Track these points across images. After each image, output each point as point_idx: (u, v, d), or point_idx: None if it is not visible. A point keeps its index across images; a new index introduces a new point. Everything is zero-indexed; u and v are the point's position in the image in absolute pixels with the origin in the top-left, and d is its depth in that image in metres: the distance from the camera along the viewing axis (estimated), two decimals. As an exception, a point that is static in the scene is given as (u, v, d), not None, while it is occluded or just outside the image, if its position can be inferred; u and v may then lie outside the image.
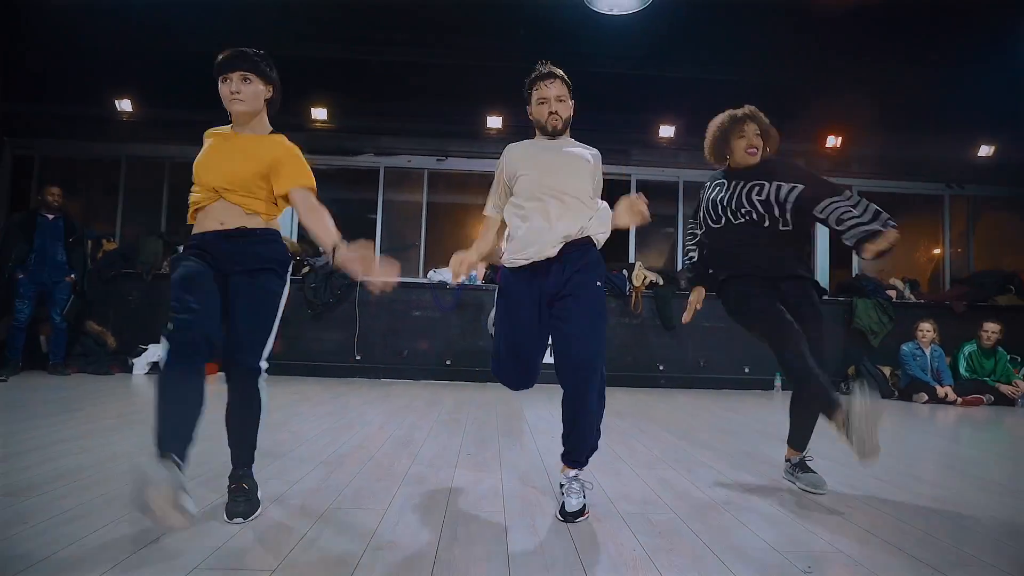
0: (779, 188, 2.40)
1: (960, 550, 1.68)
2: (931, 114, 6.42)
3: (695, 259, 2.72)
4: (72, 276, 5.47)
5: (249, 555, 1.50)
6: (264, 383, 1.84)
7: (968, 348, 5.96)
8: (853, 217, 2.33)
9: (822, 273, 7.04)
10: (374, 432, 3.24)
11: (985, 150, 6.68)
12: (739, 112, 2.56)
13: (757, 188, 2.43)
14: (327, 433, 3.14)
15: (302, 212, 1.86)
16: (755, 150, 2.49)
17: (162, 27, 5.46)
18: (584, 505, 1.89)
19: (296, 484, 2.15)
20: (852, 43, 5.62)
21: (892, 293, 6.68)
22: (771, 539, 1.73)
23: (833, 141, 6.59)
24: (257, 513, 1.78)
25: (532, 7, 5.06)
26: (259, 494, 1.84)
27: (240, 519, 1.72)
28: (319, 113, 6.21)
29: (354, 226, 7.06)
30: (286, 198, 1.87)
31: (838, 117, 6.51)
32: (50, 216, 5.39)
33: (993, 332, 5.83)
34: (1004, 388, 5.67)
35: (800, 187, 2.39)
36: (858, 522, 1.92)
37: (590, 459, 2.01)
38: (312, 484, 2.16)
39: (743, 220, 2.43)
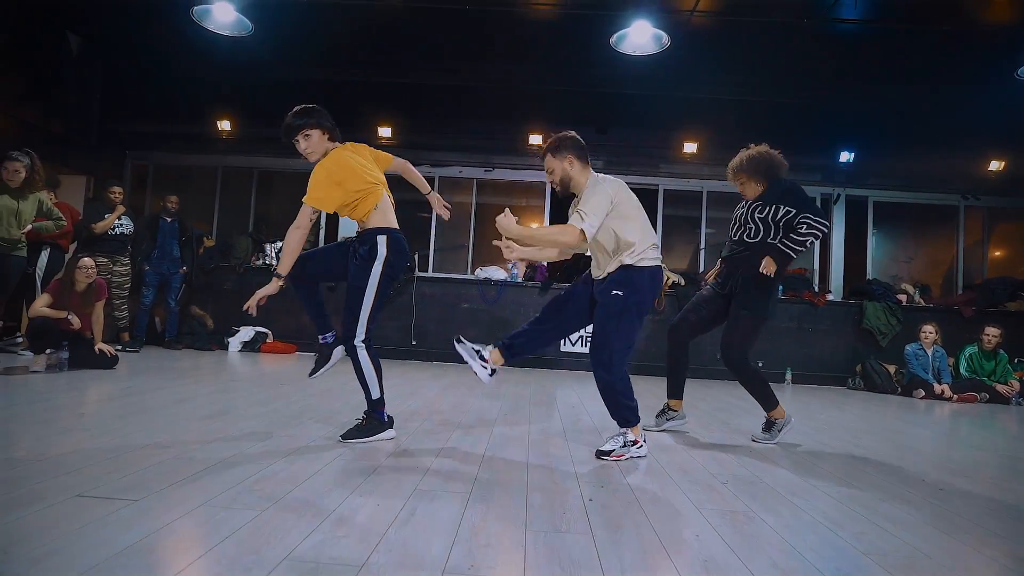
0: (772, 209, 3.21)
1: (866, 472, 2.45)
2: (944, 129, 6.88)
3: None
4: (185, 268, 6.64)
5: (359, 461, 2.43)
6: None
7: (969, 350, 6.43)
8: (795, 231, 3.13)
9: (836, 277, 7.59)
10: (433, 397, 4.16)
11: (995, 165, 7.08)
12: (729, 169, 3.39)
13: (758, 207, 3.26)
14: (399, 396, 4.09)
15: None
16: (744, 189, 3.35)
17: (254, 59, 6.52)
18: (612, 450, 2.60)
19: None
20: (865, 62, 6.10)
21: (902, 297, 7.18)
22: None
23: (847, 155, 7.11)
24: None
25: (568, 43, 5.84)
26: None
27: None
28: (384, 131, 7.21)
29: (411, 224, 8.05)
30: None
31: (852, 133, 7.04)
32: (169, 219, 6.56)
33: (993, 336, 6.29)
34: (1000, 387, 6.14)
35: (792, 212, 3.19)
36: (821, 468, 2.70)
37: (632, 424, 2.67)
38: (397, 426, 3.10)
39: (736, 237, 3.35)
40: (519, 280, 7.20)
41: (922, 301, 7.28)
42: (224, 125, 7.30)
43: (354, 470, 2.19)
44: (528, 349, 2.85)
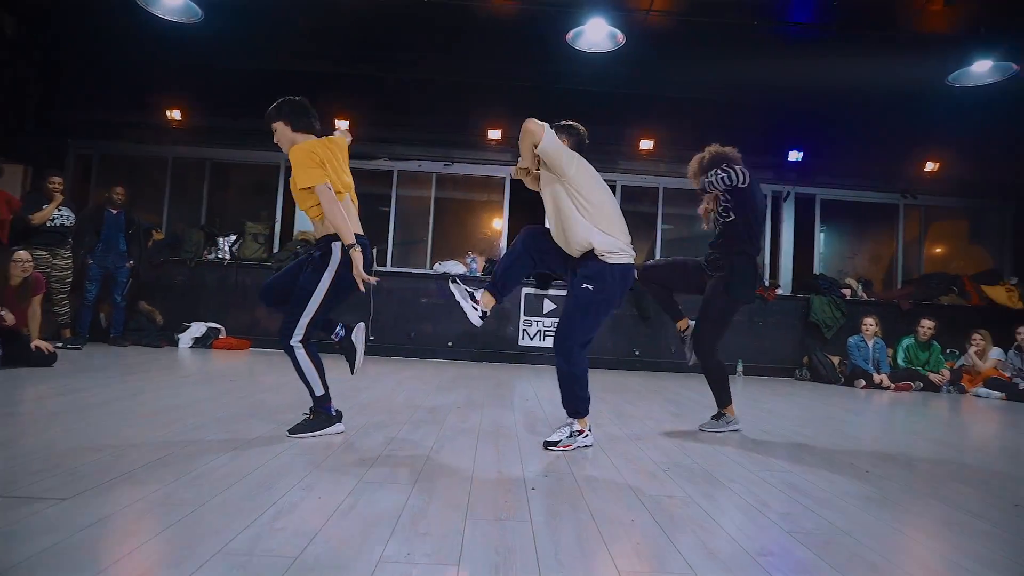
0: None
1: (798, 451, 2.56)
2: (885, 131, 7.20)
3: None
4: (131, 262, 6.41)
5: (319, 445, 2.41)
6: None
7: (906, 341, 6.77)
8: None
9: (785, 271, 7.86)
10: (388, 392, 4.15)
11: (931, 166, 7.45)
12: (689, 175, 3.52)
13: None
14: (352, 391, 4.06)
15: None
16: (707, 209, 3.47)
17: (207, 48, 6.34)
18: (559, 440, 2.66)
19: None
20: (812, 64, 6.29)
21: (846, 291, 7.49)
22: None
23: (796, 155, 7.36)
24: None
25: (525, 39, 5.87)
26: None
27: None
28: (342, 124, 7.08)
29: (370, 218, 7.96)
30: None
31: (802, 133, 7.30)
32: (114, 211, 6.31)
33: (928, 328, 6.63)
34: (932, 376, 6.48)
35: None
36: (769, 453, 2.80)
37: (581, 416, 2.74)
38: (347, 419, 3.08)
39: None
40: (478, 274, 7.21)
41: (864, 295, 7.61)
42: (175, 115, 7.05)
43: (298, 464, 2.18)
44: (512, 284, 2.88)
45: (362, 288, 2.57)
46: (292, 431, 2.62)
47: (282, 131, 2.70)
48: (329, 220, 2.54)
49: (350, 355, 2.80)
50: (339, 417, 2.73)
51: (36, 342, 4.38)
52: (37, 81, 6.85)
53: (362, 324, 2.87)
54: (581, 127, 2.96)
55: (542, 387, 4.95)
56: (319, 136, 2.74)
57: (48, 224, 5.64)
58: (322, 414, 2.67)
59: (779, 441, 3.18)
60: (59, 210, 5.71)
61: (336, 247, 2.57)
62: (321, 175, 2.53)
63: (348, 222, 2.54)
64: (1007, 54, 5.26)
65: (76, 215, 5.95)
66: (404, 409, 3.51)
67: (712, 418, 3.41)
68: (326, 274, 2.56)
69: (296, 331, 2.55)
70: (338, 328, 2.81)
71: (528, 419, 3.42)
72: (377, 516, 1.69)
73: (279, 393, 3.78)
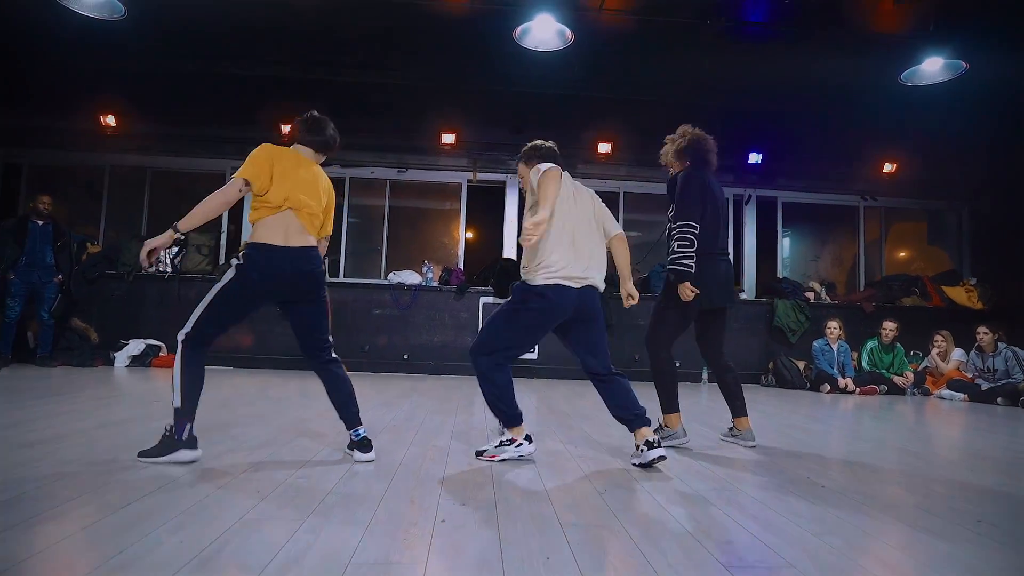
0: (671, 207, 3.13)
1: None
2: (843, 132, 7.16)
3: None
4: (59, 277, 5.99)
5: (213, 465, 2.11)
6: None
7: (870, 344, 6.69)
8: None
9: (748, 276, 7.76)
10: (322, 411, 3.85)
11: (888, 167, 7.44)
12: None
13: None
14: (278, 412, 3.75)
15: None
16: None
17: (144, 49, 6.00)
18: (486, 449, 2.58)
19: (244, 441, 2.76)
20: (768, 65, 6.23)
21: (810, 295, 7.40)
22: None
23: (756, 157, 7.28)
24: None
25: (474, 38, 5.67)
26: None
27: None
28: (287, 129, 6.77)
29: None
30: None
31: (761, 135, 7.22)
32: (40, 222, 5.90)
33: (891, 330, 6.56)
34: (896, 379, 6.40)
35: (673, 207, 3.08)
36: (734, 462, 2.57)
37: (506, 426, 2.60)
38: (256, 441, 2.77)
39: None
40: (434, 284, 6.94)
41: (828, 298, 7.54)
42: (109, 120, 6.67)
43: (171, 499, 1.88)
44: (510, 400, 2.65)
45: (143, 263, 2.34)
46: (141, 453, 2.35)
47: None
48: (207, 199, 2.33)
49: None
50: (192, 443, 2.37)
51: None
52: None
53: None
54: (547, 143, 2.76)
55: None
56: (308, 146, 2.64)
57: (-40, 236, 5.22)
58: (171, 435, 2.33)
59: (731, 456, 2.97)
60: (-28, 221, 5.29)
61: (243, 254, 2.38)
62: (246, 172, 2.37)
63: (209, 213, 2.34)
64: (957, 52, 5.22)
65: (-6, 227, 5.54)
66: (330, 433, 3.22)
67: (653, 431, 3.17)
68: (227, 273, 2.40)
69: (187, 323, 2.36)
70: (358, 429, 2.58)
71: (466, 435, 3.15)
72: (244, 564, 1.41)
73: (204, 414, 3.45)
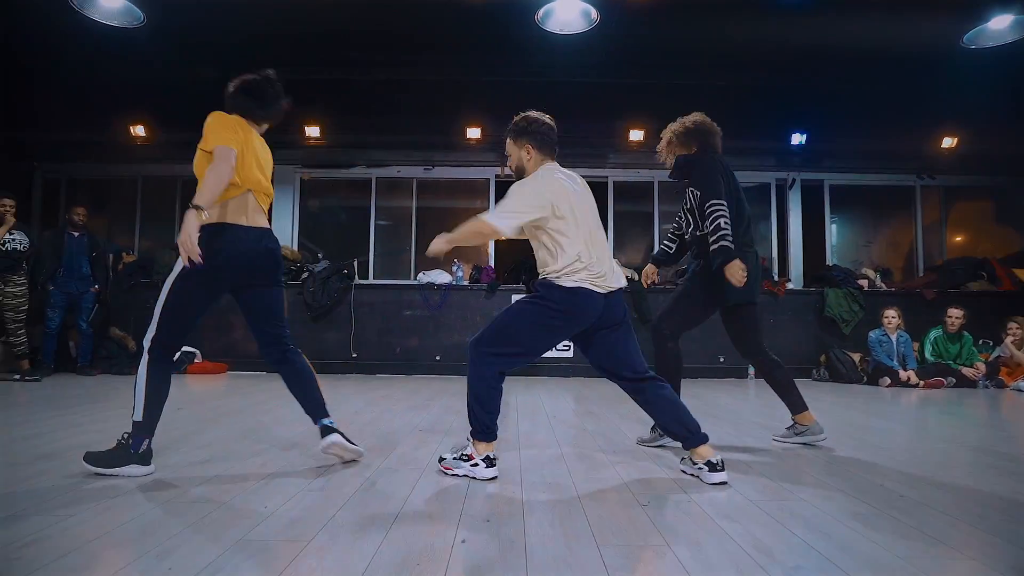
0: (693, 192, 2.84)
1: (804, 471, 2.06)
2: (895, 106, 6.65)
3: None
4: (96, 287, 6.06)
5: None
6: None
7: (934, 333, 6.19)
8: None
9: (795, 264, 7.32)
10: (349, 416, 3.70)
11: (948, 142, 6.86)
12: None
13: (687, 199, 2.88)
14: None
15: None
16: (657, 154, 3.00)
17: (165, 56, 5.99)
18: (444, 459, 2.29)
19: (266, 450, 2.62)
20: (812, 38, 5.83)
21: (863, 282, 6.92)
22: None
23: (799, 137, 6.84)
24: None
25: (496, 27, 5.46)
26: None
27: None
28: (312, 131, 6.72)
29: (350, 232, 7.58)
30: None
31: (804, 114, 6.77)
32: (76, 233, 5.98)
33: (956, 318, 6.05)
34: (966, 371, 5.89)
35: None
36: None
37: (478, 439, 2.25)
38: (282, 447, 2.62)
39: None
40: (464, 283, 6.76)
41: (884, 285, 7.04)
42: (139, 131, 6.73)
43: (165, 519, 1.72)
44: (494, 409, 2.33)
45: (185, 262, 2.07)
46: (88, 457, 2.17)
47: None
48: (210, 170, 2.11)
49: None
50: (145, 459, 2.20)
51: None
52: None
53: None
54: (544, 119, 2.44)
55: (528, 403, 4.48)
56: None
57: (-1, 249, 5.31)
58: (125, 448, 2.18)
59: (790, 456, 2.68)
60: (11, 234, 5.38)
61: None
62: (231, 141, 2.18)
63: (221, 184, 2.11)
64: (1028, 7, 4.73)
65: (31, 239, 5.61)
66: (356, 436, 3.05)
67: (652, 430, 2.90)
68: (177, 262, 2.17)
69: (149, 329, 2.21)
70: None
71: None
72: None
73: (217, 425, 3.35)
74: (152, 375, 2.18)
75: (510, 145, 2.42)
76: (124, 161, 7.17)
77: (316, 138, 6.73)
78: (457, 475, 2.25)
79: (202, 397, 4.63)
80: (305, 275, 6.71)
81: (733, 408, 4.32)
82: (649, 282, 3.19)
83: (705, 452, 2.23)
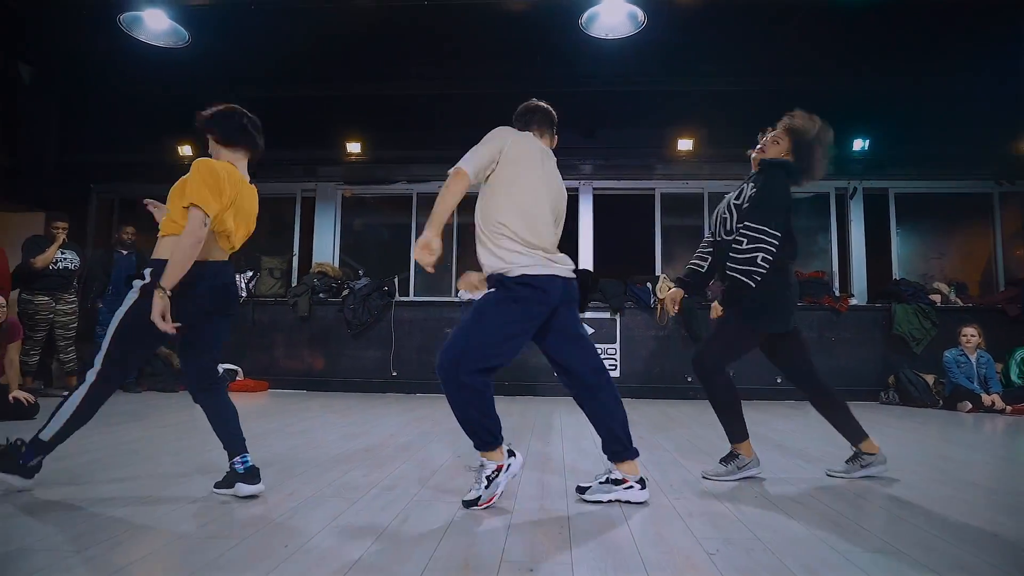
0: (747, 190, 2.54)
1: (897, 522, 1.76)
2: (969, 109, 6.17)
3: (695, 267, 2.78)
4: (143, 304, 6.15)
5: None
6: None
7: (1020, 353, 5.63)
8: (734, 251, 2.45)
9: (858, 279, 6.84)
10: (384, 438, 3.53)
11: (1030, 144, 6.32)
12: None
13: (740, 192, 2.59)
14: (343, 438, 3.47)
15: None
16: (756, 152, 2.63)
17: (209, 76, 6.11)
18: (479, 497, 2.06)
19: (301, 474, 2.47)
20: (873, 40, 5.51)
21: (936, 297, 6.40)
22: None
23: (861, 143, 6.42)
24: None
25: (539, 35, 5.33)
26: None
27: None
28: (353, 147, 6.71)
29: (392, 248, 7.52)
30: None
31: (865, 119, 6.35)
32: (124, 252, 6.10)
33: (1046, 335, 5.49)
34: (1060, 395, 5.32)
35: (755, 194, 2.50)
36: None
37: (484, 449, 2.13)
38: (311, 476, 2.47)
39: (721, 236, 2.62)
40: (505, 299, 6.58)
41: (959, 301, 6.48)
42: (186, 150, 6.87)
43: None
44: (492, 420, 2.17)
45: (165, 330, 2.02)
46: None
47: (212, 146, 2.32)
48: (177, 247, 2.03)
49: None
50: (29, 472, 2.15)
51: (14, 393, 4.04)
52: (57, 127, 6.85)
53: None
54: (534, 103, 2.42)
55: (566, 427, 4.23)
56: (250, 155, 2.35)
57: (51, 268, 5.43)
58: (16, 456, 2.13)
59: (870, 494, 2.35)
60: (62, 253, 5.50)
61: (147, 272, 2.10)
62: (214, 207, 2.09)
63: (185, 265, 2.02)
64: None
65: (81, 258, 5.74)
66: (390, 462, 2.87)
67: (721, 461, 2.61)
68: (129, 295, 2.11)
69: (96, 359, 2.11)
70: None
71: (542, 465, 2.71)
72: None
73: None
74: (86, 406, 2.11)
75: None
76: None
77: (357, 154, 6.72)
78: (499, 495, 2.10)
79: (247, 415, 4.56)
80: (346, 292, 6.67)
81: (795, 435, 3.95)
82: (676, 310, 2.76)
83: (635, 468, 2.17)
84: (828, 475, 2.66)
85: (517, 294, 2.09)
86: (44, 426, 2.13)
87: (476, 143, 2.33)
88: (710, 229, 2.74)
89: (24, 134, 6.45)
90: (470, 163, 2.17)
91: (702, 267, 2.72)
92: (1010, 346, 5.74)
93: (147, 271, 2.12)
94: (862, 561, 1.61)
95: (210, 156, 2.29)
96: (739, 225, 2.47)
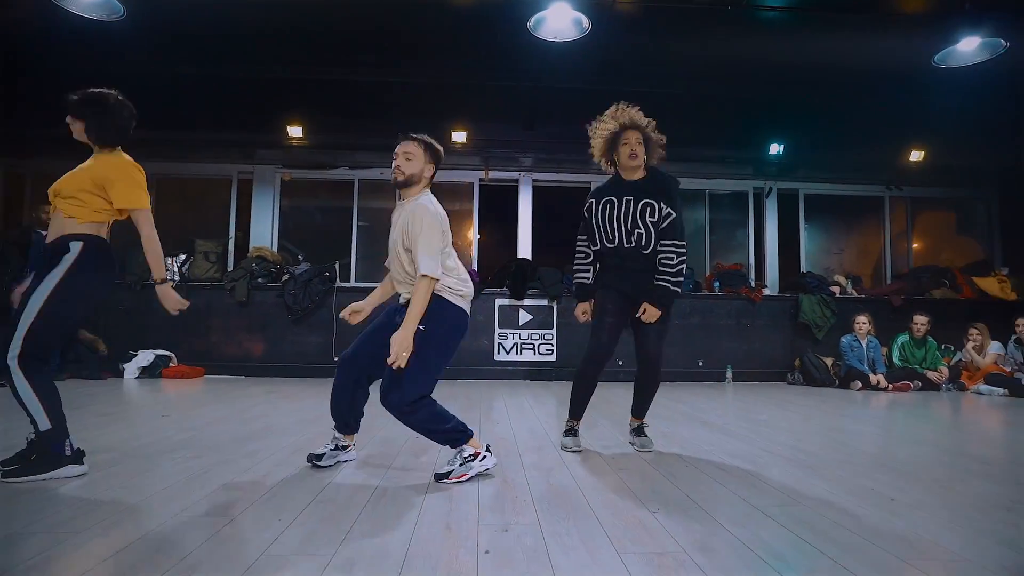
0: (660, 209, 2.77)
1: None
2: (868, 119, 6.90)
3: (589, 279, 2.96)
4: (65, 288, 5.85)
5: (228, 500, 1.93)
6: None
7: (901, 339, 6.44)
8: (665, 266, 2.80)
9: (771, 271, 7.52)
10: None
11: (915, 155, 7.17)
12: (619, 120, 2.87)
13: (650, 209, 2.75)
14: (298, 425, 3.57)
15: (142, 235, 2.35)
16: (636, 156, 2.80)
17: (143, 52, 5.83)
18: (451, 471, 2.30)
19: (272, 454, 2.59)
20: (789, 51, 5.99)
21: (836, 289, 7.16)
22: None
23: (777, 148, 7.05)
24: None
25: (486, 31, 5.48)
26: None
27: None
28: (295, 131, 6.62)
29: (333, 233, 7.49)
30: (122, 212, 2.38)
31: (781, 125, 6.98)
32: (44, 232, 5.75)
33: (922, 324, 6.32)
34: (931, 374, 6.15)
35: (672, 216, 2.77)
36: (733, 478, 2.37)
37: (464, 441, 2.36)
38: (276, 458, 2.59)
39: (632, 244, 2.79)
40: (448, 286, 6.75)
41: (854, 292, 7.29)
42: (111, 126, 6.51)
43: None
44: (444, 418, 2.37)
45: (173, 312, 2.41)
46: (6, 470, 2.19)
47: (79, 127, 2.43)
48: (153, 247, 2.37)
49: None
50: (77, 457, 2.28)
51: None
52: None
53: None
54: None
55: (519, 406, 4.51)
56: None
57: (-37, 249, 5.08)
58: (49, 454, 2.21)
59: (781, 460, 2.77)
60: (-25, 233, 5.15)
61: (75, 246, 2.25)
62: (147, 201, 2.40)
63: (160, 252, 2.40)
64: (996, 30, 4.97)
65: (-2, 238, 5.40)
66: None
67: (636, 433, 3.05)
68: (53, 273, 2.21)
69: (13, 344, 2.14)
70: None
71: (495, 445, 2.96)
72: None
73: (209, 430, 3.27)
74: (38, 385, 2.18)
75: (420, 153, 2.42)
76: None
77: (299, 138, 6.63)
78: (469, 477, 2.30)
79: (182, 403, 4.52)
80: (286, 277, 6.61)
81: (718, 412, 4.43)
82: (587, 318, 2.96)
83: (477, 443, 2.39)
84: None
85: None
86: (32, 422, 2.19)
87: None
88: (603, 235, 2.85)
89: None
90: (432, 263, 2.25)
91: (590, 279, 2.98)
92: (893, 332, 6.55)
93: (72, 244, 2.25)
94: (772, 511, 1.97)
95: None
96: (665, 242, 2.77)
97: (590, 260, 2.98)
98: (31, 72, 6.16)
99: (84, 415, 3.76)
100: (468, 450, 2.34)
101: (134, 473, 2.35)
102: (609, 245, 2.85)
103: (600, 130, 2.96)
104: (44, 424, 2.18)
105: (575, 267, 3.03)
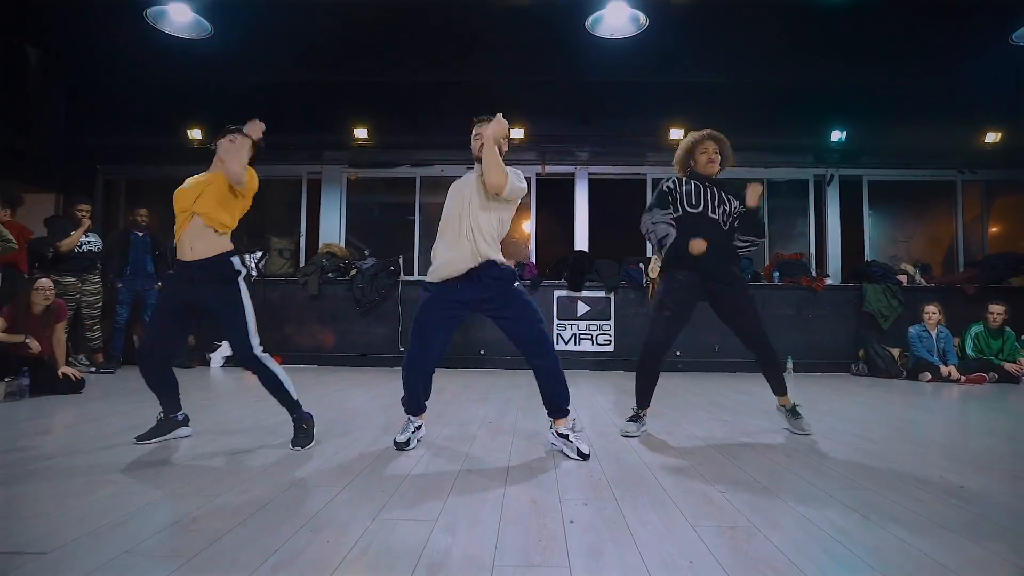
0: (731, 202, 3.12)
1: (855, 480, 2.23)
2: (937, 102, 6.65)
3: (673, 237, 3.13)
4: (159, 284, 6.39)
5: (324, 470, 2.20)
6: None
7: (975, 329, 6.22)
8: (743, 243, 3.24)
9: (833, 260, 7.38)
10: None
11: (991, 137, 6.85)
12: (701, 133, 3.27)
13: (720, 196, 3.14)
14: (379, 409, 3.86)
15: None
16: (714, 163, 3.18)
17: (220, 64, 6.27)
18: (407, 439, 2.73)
19: (355, 439, 2.86)
20: (851, 35, 5.86)
21: (903, 278, 6.96)
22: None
23: (839, 134, 6.88)
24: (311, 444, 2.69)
25: (544, 30, 5.62)
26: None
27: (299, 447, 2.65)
28: (360, 132, 6.96)
29: (396, 228, 7.83)
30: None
31: (843, 110, 6.81)
32: (140, 233, 6.31)
33: (999, 314, 6.08)
34: (1008, 366, 5.93)
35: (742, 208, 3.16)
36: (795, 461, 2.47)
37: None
38: (368, 438, 2.86)
39: (716, 216, 3.11)
40: (507, 279, 6.96)
41: (923, 281, 7.06)
42: (195, 134, 7.04)
43: (303, 500, 1.96)
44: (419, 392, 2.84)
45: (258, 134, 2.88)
46: (294, 443, 2.69)
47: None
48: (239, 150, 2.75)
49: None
50: (186, 421, 2.96)
51: (63, 369, 4.34)
52: (63, 109, 6.94)
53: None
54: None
55: (580, 395, 4.67)
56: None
57: (76, 251, 5.65)
58: (308, 429, 2.79)
59: (845, 449, 2.83)
60: (86, 236, 5.71)
61: (235, 261, 2.74)
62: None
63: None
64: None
65: (103, 240, 5.96)
66: (432, 430, 3.28)
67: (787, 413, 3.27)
68: (238, 285, 2.73)
69: (252, 343, 2.74)
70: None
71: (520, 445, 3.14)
72: (391, 564, 1.46)
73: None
74: (278, 368, 2.73)
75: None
76: (182, 163, 7.48)
77: (364, 139, 6.97)
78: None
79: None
80: (354, 272, 6.98)
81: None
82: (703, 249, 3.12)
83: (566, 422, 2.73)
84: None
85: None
86: (286, 401, 2.79)
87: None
88: (686, 201, 3.12)
89: (33, 116, 6.55)
90: (515, 177, 2.77)
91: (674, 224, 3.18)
92: (966, 322, 6.33)
93: (235, 259, 2.72)
94: (837, 494, 2.08)
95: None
96: (740, 236, 3.20)
97: (671, 217, 3.15)
98: (125, 88, 6.72)
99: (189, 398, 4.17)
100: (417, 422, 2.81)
101: (236, 450, 2.66)
102: (692, 210, 3.10)
103: (683, 143, 3.33)
104: (295, 393, 2.77)
105: (655, 221, 3.13)
